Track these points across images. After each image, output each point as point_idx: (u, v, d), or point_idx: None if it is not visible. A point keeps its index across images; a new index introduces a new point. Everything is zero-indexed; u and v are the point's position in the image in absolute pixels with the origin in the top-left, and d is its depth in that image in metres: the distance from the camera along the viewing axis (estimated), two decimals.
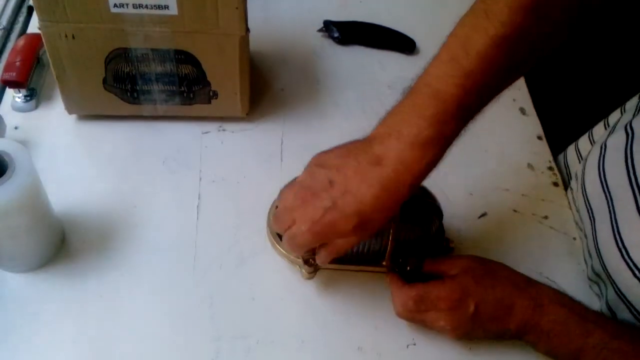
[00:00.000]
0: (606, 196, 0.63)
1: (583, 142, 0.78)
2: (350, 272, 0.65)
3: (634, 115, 0.65)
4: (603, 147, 0.67)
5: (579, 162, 0.77)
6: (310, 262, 0.61)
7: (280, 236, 0.63)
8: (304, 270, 0.62)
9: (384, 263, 0.62)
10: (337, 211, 0.51)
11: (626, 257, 0.59)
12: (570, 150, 0.80)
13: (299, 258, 0.61)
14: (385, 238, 0.60)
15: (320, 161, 0.55)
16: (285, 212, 0.55)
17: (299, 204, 0.53)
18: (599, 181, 0.65)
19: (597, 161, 0.67)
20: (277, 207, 0.58)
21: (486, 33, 0.49)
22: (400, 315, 0.60)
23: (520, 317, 0.56)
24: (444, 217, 0.64)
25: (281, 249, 0.63)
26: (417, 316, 0.59)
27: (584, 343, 0.54)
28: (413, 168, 0.50)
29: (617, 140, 0.64)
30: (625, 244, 0.59)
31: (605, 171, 0.65)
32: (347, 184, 0.51)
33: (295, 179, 0.57)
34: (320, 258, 0.57)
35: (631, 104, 0.71)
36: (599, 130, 0.76)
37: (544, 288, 0.59)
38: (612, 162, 0.64)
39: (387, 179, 0.50)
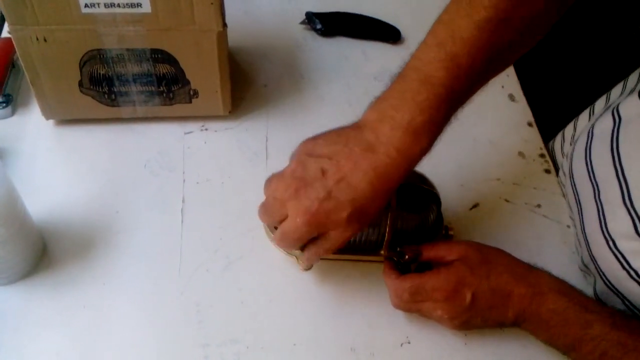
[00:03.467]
0: (593, 185, 0.62)
1: (569, 130, 0.77)
2: (344, 267, 0.64)
3: (619, 100, 0.63)
4: (590, 133, 0.65)
5: (564, 150, 0.76)
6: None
7: (275, 226, 0.62)
8: (301, 261, 0.60)
9: (382, 252, 0.60)
10: (332, 200, 0.49)
11: (613, 248, 0.57)
12: (559, 137, 0.79)
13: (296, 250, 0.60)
14: (383, 227, 0.59)
15: (309, 150, 0.53)
16: (276, 203, 0.53)
17: (291, 196, 0.51)
18: (585, 169, 0.64)
19: (584, 148, 0.65)
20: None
21: (470, 18, 0.49)
22: (396, 306, 0.59)
23: (519, 306, 0.55)
24: None
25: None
26: (413, 307, 0.58)
27: (584, 334, 0.53)
28: (407, 154, 0.50)
29: (604, 126, 0.63)
30: (612, 234, 0.58)
31: (592, 159, 0.63)
32: (340, 172, 0.50)
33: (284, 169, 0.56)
34: (310, 253, 0.55)
35: (616, 92, 0.70)
36: (584, 119, 0.74)
37: (543, 275, 0.57)
38: (598, 150, 0.63)
39: (381, 166, 0.49)
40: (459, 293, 0.55)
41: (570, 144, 0.74)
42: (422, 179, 0.62)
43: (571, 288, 0.56)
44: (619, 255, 0.57)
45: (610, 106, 0.66)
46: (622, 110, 0.61)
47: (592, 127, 0.65)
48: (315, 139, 0.54)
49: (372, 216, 0.52)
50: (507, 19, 0.49)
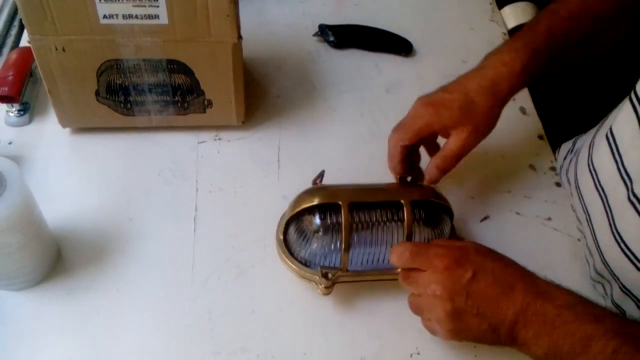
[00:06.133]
0: (599, 192, 0.63)
1: (566, 146, 0.78)
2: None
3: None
4: (592, 144, 0.66)
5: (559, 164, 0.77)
6: (328, 276, 0.59)
7: (289, 249, 0.62)
8: (321, 286, 0.60)
9: (398, 270, 0.60)
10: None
11: (626, 250, 0.58)
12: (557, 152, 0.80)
13: (314, 275, 0.60)
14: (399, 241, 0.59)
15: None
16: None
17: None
18: (590, 178, 0.64)
19: (586, 159, 0.66)
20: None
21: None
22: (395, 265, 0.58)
23: (521, 302, 0.51)
24: None
25: (292, 264, 0.62)
26: (411, 276, 0.56)
27: (595, 329, 0.49)
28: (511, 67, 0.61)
29: (602, 136, 0.64)
30: (623, 237, 0.58)
31: (595, 166, 0.64)
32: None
33: None
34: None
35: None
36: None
37: (550, 282, 0.54)
38: (600, 156, 0.63)
39: None
40: (461, 266, 0.53)
41: (565, 159, 0.77)
42: (435, 194, 0.62)
43: (574, 292, 0.53)
44: (632, 257, 0.57)
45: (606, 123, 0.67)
46: (615, 118, 0.62)
47: (593, 138, 0.67)
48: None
49: None
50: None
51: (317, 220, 0.59)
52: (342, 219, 0.58)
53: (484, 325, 0.52)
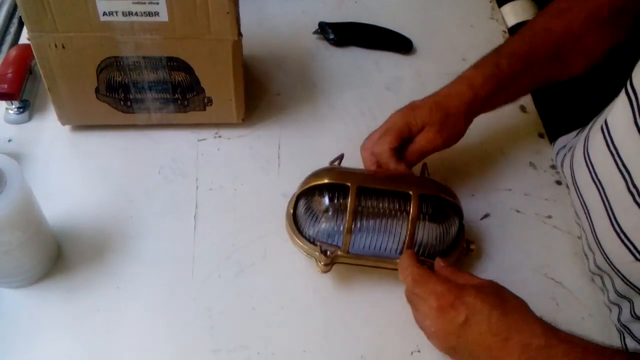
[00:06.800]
0: (597, 185, 0.63)
1: (560, 142, 0.79)
2: (356, 275, 0.65)
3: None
4: (587, 137, 0.66)
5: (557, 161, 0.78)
6: (327, 253, 0.60)
7: (298, 228, 0.63)
8: (320, 263, 0.61)
9: (398, 261, 0.60)
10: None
11: (626, 241, 0.58)
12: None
13: (316, 251, 0.61)
14: (403, 234, 0.59)
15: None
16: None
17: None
18: (587, 171, 0.65)
19: (582, 152, 0.66)
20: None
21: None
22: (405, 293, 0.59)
23: (518, 356, 0.49)
24: None
25: (298, 241, 0.62)
26: (413, 299, 0.57)
27: None
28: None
29: (596, 130, 0.64)
30: (623, 228, 0.58)
31: (592, 160, 0.64)
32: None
33: None
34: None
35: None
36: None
37: (555, 332, 0.50)
38: (596, 150, 0.63)
39: None
40: (454, 309, 0.52)
41: (557, 154, 0.77)
42: (444, 189, 0.62)
43: (589, 342, 0.50)
44: (631, 247, 0.57)
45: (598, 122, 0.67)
46: (610, 110, 0.62)
47: (588, 133, 0.67)
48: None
49: None
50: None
51: (325, 199, 0.60)
52: (349, 200, 0.59)
53: None
